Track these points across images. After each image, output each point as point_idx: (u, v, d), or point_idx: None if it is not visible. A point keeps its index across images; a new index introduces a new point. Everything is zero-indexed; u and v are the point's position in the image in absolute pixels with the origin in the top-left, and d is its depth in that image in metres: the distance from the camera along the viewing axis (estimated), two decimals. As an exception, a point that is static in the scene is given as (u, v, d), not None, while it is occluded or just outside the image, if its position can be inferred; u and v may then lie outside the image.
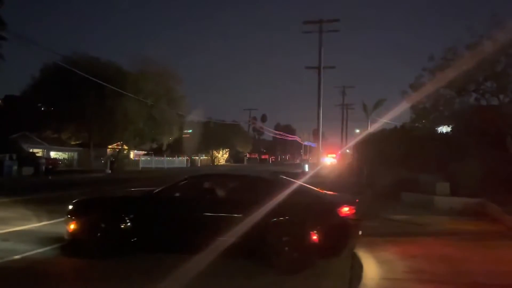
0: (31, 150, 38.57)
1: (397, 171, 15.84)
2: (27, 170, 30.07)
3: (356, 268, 6.24)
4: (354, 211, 6.54)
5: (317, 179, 19.68)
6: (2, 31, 23.97)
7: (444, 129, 19.07)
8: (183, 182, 7.28)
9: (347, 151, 42.40)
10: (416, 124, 19.57)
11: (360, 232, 6.75)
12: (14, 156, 29.85)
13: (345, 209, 6.48)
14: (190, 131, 58.59)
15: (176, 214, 6.81)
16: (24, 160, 30.61)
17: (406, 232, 9.15)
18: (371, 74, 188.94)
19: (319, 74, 29.97)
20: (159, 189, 7.18)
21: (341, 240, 6.44)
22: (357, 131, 49.59)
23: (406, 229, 9.60)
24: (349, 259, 6.65)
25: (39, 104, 43.91)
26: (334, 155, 46.23)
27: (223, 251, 6.21)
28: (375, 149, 20.12)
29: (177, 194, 7.15)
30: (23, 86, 44.28)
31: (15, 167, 28.73)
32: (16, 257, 6.65)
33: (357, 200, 6.99)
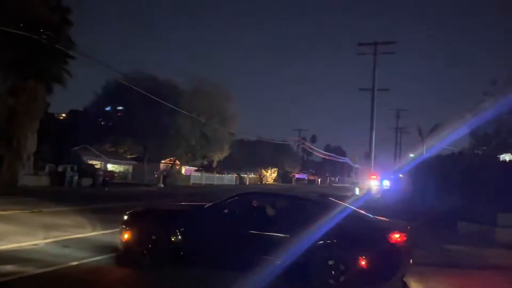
0: (90, 162, 40.69)
1: (454, 198, 15.09)
2: (86, 181, 31.70)
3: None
4: (405, 238, 6.34)
5: (367, 203, 19.17)
6: (71, 50, 25.78)
7: (507, 157, 18.00)
8: (232, 199, 7.41)
9: (400, 175, 41.03)
10: (476, 151, 18.64)
11: (411, 261, 6.51)
12: (75, 168, 31.60)
13: (396, 236, 6.29)
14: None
15: (224, 230, 6.92)
16: (83, 172, 32.33)
17: (462, 263, 8.65)
18: (426, 98, 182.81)
19: (372, 96, 29.52)
20: (209, 205, 7.35)
21: (390, 267, 6.25)
22: (411, 155, 47.98)
23: (462, 260, 9.08)
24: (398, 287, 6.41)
25: (100, 119, 46.49)
26: (386, 180, 44.77)
27: (268, 270, 6.22)
28: (430, 175, 19.33)
29: (226, 211, 7.28)
30: (86, 102, 47.18)
31: (75, 178, 30.37)
32: (74, 263, 7.01)
33: (408, 227, 6.77)
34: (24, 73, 24.42)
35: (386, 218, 8.00)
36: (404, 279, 6.62)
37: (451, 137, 24.28)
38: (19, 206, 14.28)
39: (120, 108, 39.83)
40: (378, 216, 7.65)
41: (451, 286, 6.59)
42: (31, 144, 26.11)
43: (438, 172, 18.22)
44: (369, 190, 31.05)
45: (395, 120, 49.74)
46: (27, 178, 26.19)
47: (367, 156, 35.92)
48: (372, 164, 32.24)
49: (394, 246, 6.26)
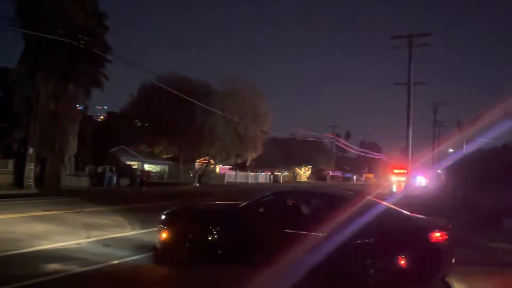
0: (128, 163, 41.79)
1: (498, 194, 14.47)
2: (124, 181, 32.59)
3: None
4: (446, 236, 6.13)
5: (405, 201, 18.69)
6: (107, 54, 26.54)
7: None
8: (267, 198, 7.40)
9: (439, 171, 39.75)
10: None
11: (453, 260, 6.29)
12: (114, 168, 32.54)
13: (437, 234, 6.10)
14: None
15: (259, 229, 6.92)
16: (121, 172, 33.26)
17: (507, 262, 8.27)
18: (464, 91, 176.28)
19: (408, 90, 28.73)
20: (244, 204, 7.37)
21: (431, 267, 6.06)
22: (451, 150, 46.50)
23: (507, 259, 8.68)
24: (441, 288, 6.21)
25: (136, 120, 47.65)
26: (423, 177, 43.05)
27: (304, 269, 6.17)
28: (471, 170, 18.64)
29: (261, 209, 7.28)
30: (122, 104, 48.50)
31: (114, 178, 31.27)
32: (115, 262, 7.20)
33: (450, 226, 6.55)
34: (64, 78, 25.31)
35: (426, 216, 7.77)
36: (446, 279, 6.41)
37: (493, 130, 23.30)
38: (62, 206, 14.85)
39: (155, 109, 40.68)
40: (417, 214, 7.44)
41: (495, 286, 6.32)
42: (72, 146, 27.06)
43: (480, 167, 17.54)
44: (405, 186, 30.09)
45: (432, 114, 48.34)
46: (68, 179, 27.21)
47: (404, 151, 34.91)
48: (409, 159, 31.38)
49: (434, 245, 6.07)
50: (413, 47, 28.41)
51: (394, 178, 36.03)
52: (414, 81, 28.97)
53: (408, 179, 32.03)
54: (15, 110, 25.38)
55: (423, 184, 37.78)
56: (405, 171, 35.17)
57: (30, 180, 24.28)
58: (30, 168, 24.44)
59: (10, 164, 25.96)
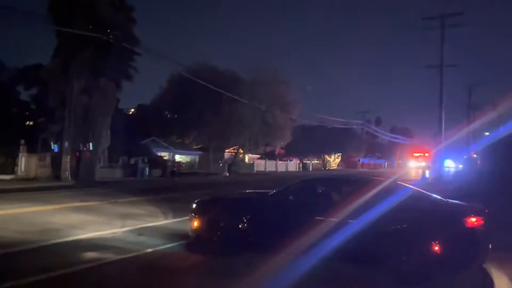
0: (159, 154, 42.60)
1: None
2: (156, 172, 33.28)
3: (486, 285, 5.66)
4: (483, 222, 5.96)
5: (438, 187, 18.26)
6: (136, 47, 26.98)
7: None
8: (296, 186, 7.40)
9: (474, 155, 38.52)
10: None
11: (490, 246, 6.11)
12: (146, 159, 33.26)
13: (472, 219, 5.93)
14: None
15: (289, 216, 6.94)
16: (153, 163, 33.96)
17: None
18: (499, 72, 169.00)
19: (441, 73, 27.95)
20: (274, 192, 7.40)
21: (467, 253, 5.91)
22: (487, 134, 44.92)
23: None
24: (477, 275, 6.05)
25: (166, 112, 48.36)
26: (451, 160, 40.69)
27: (335, 256, 6.15)
28: (507, 154, 17.94)
29: (291, 197, 7.29)
30: (152, 96, 49.24)
31: (146, 169, 31.98)
32: (149, 250, 7.39)
33: (486, 210, 6.35)
34: (96, 72, 25.95)
35: (461, 201, 7.57)
36: (484, 266, 6.25)
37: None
38: (97, 197, 15.34)
39: (184, 100, 41.15)
40: (451, 199, 7.26)
41: (537, 273, 6.11)
42: (105, 139, 27.83)
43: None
44: (430, 171, 28.96)
45: (466, 97, 46.70)
46: (102, 171, 28.01)
47: (436, 136, 33.99)
48: (443, 143, 30.55)
49: (470, 230, 5.92)
50: (445, 28, 27.57)
51: (412, 164, 33.37)
52: (446, 63, 28.16)
53: (429, 164, 30.34)
54: (50, 106, 26.27)
55: (452, 169, 35.02)
56: (426, 154, 31.95)
57: (67, 173, 25.16)
58: (66, 161, 25.32)
59: (48, 157, 26.98)
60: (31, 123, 44.23)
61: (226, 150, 51.63)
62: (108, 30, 24.78)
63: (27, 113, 45.21)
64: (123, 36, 25.68)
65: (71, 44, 24.71)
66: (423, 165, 32.89)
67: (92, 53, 25.07)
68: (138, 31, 31.54)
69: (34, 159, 26.09)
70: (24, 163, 25.38)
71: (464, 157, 41.44)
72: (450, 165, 34.33)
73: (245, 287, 5.56)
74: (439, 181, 24.17)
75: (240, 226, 7.14)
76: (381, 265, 6.09)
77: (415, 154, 33.17)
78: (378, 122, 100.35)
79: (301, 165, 63.54)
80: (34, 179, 24.50)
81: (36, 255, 6.93)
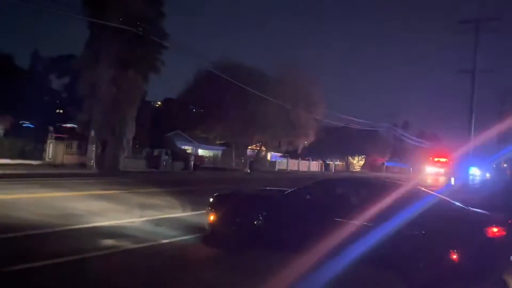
0: (182, 147, 43.07)
1: None
2: (179, 165, 33.66)
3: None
4: (505, 232, 5.76)
5: (463, 195, 17.78)
6: (164, 41, 27.32)
7: None
8: (312, 186, 7.34)
9: (504, 164, 37.27)
10: None
11: (511, 258, 5.90)
12: (169, 152, 33.69)
13: (494, 230, 5.74)
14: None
15: (303, 216, 6.89)
16: (176, 156, 34.36)
17: None
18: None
19: (473, 78, 27.17)
20: (290, 190, 7.36)
21: (486, 263, 5.73)
22: (518, 142, 43.41)
23: None
24: (496, 287, 5.86)
25: (191, 106, 48.82)
26: (477, 168, 38.53)
27: (350, 259, 6.06)
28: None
29: (307, 197, 7.23)
30: (179, 90, 49.82)
31: (169, 162, 32.40)
32: (165, 241, 7.49)
33: (510, 221, 6.14)
34: (125, 64, 26.44)
35: (484, 210, 7.34)
36: (504, 277, 6.05)
37: None
38: (119, 187, 15.65)
39: (210, 95, 41.44)
40: (476, 208, 7.04)
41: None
42: (130, 130, 28.34)
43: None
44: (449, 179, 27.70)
45: (498, 104, 45.26)
46: (126, 161, 28.53)
47: (461, 141, 32.98)
48: (471, 151, 29.69)
49: (491, 240, 5.73)
50: (480, 32, 26.79)
51: (429, 170, 31.08)
52: (480, 68, 27.37)
53: (448, 170, 28.93)
54: (80, 95, 26.92)
55: (477, 177, 33.17)
56: (445, 159, 29.63)
57: (92, 161, 25.76)
58: (92, 150, 25.92)
59: (74, 145, 27.68)
60: (61, 111, 45.44)
61: (249, 147, 51.74)
62: (138, 23, 25.19)
63: (58, 101, 46.48)
64: (152, 29, 26.07)
65: (103, 36, 25.25)
66: (441, 172, 30.85)
67: (122, 45, 25.56)
68: (168, 25, 31.91)
69: (61, 146, 26.82)
70: (52, 149, 26.12)
71: (493, 165, 40.20)
72: (476, 173, 32.98)
73: (255, 283, 5.55)
74: (465, 189, 23.51)
75: (255, 222, 7.13)
76: (398, 270, 5.97)
77: (434, 159, 31.14)
78: (405, 126, 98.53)
79: (323, 165, 63.03)
80: (61, 165, 25.20)
81: (55, 239, 7.13)
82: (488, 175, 37.26)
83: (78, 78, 27.95)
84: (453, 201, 6.93)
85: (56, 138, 26.83)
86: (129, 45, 25.82)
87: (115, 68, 26.08)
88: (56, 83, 46.01)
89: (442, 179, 30.10)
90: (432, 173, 30.96)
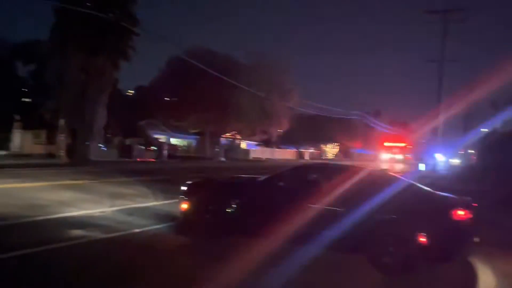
0: (155, 136, 42.50)
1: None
2: (151, 154, 33.28)
3: (470, 279, 5.67)
4: (470, 215, 5.94)
5: (431, 180, 18.28)
6: (135, 27, 26.67)
7: None
8: (284, 173, 7.36)
9: (470, 151, 38.49)
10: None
11: (477, 240, 6.10)
12: (142, 141, 33.23)
13: (460, 213, 5.91)
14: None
15: (276, 203, 6.90)
16: (149, 145, 33.95)
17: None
18: (499, 68, 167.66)
19: (440, 68, 27.83)
20: (264, 177, 7.35)
21: (452, 245, 5.90)
22: (484, 130, 44.91)
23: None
24: (462, 267, 6.06)
25: (164, 94, 48.06)
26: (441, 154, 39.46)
27: (321, 244, 6.14)
28: (506, 151, 17.99)
29: (281, 184, 7.24)
30: (151, 78, 48.88)
31: (142, 151, 31.97)
32: (137, 230, 7.39)
33: (475, 204, 6.33)
34: (93, 50, 25.70)
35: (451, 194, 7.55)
36: (469, 259, 6.26)
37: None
38: (90, 176, 15.31)
39: (182, 83, 40.86)
40: (441, 192, 7.23)
41: (521, 268, 6.13)
42: (101, 117, 27.70)
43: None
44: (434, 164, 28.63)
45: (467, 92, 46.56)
46: (97, 151, 27.96)
47: (435, 131, 33.87)
48: (440, 139, 30.55)
49: (457, 223, 5.89)
50: (447, 22, 27.36)
51: (384, 155, 31.14)
52: (447, 58, 28.03)
53: (405, 156, 29.10)
54: (47, 82, 26.06)
55: (443, 163, 34.25)
56: (403, 144, 29.30)
57: (61, 151, 25.10)
58: (61, 139, 25.24)
59: (43, 134, 26.89)
60: (28, 99, 43.87)
61: (223, 136, 51.55)
62: (108, 8, 24.49)
63: (24, 89, 44.79)
64: (122, 16, 25.39)
65: (70, 21, 24.42)
66: (398, 158, 30.86)
67: (90, 31, 24.79)
68: (140, 12, 31.13)
69: (29, 136, 25.99)
70: (19, 139, 25.29)
71: (461, 152, 41.51)
72: (441, 159, 34.17)
73: (228, 270, 5.54)
74: (433, 175, 24.23)
75: (228, 210, 7.10)
76: (368, 254, 6.08)
77: (387, 144, 31.09)
78: (377, 114, 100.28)
79: (297, 153, 63.57)
80: (29, 155, 24.44)
81: (22, 230, 6.92)
82: (455, 161, 38.40)
83: (45, 65, 27.04)
84: (420, 185, 7.09)
85: (23, 127, 25.95)
86: (98, 31, 25.08)
87: (83, 55, 25.34)
88: (22, 70, 44.24)
89: (399, 165, 30.11)
90: (387, 159, 30.86)
